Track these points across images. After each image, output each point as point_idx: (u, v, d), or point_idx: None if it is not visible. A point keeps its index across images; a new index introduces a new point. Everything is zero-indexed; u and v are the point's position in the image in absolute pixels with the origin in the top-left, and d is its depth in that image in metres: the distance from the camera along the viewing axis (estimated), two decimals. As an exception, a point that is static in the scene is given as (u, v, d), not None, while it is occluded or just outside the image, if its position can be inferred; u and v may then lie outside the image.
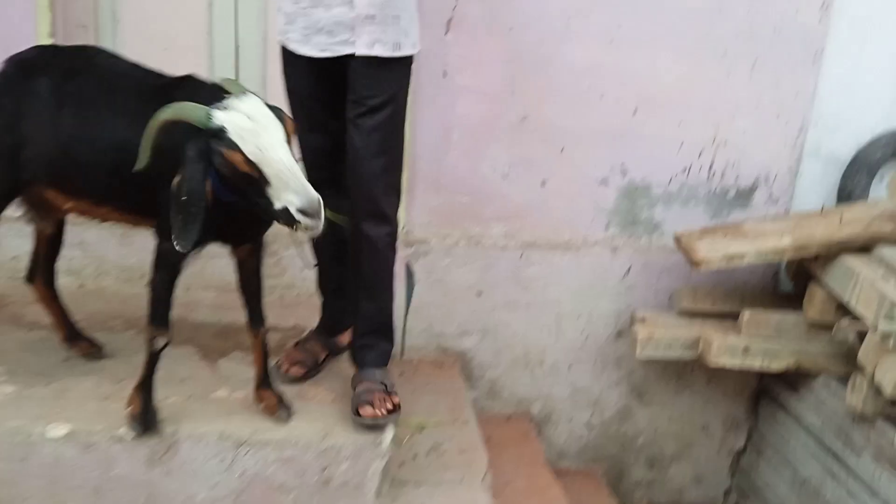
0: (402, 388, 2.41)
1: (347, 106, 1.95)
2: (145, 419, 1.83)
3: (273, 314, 2.55)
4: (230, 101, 1.56)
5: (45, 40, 2.52)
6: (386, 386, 2.05)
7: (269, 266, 2.65)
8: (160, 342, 1.80)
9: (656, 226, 2.91)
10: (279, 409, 1.95)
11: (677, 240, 2.74)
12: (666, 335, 2.72)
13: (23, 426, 1.84)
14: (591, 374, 2.98)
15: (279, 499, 1.93)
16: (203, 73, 2.65)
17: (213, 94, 1.66)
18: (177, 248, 1.55)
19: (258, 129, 1.53)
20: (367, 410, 1.96)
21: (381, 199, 2.01)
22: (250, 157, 1.52)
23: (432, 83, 2.66)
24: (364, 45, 1.91)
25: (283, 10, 1.98)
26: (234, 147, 1.52)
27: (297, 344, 2.27)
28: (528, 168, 2.80)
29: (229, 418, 1.95)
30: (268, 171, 1.53)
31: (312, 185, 2.07)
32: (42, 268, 2.11)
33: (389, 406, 1.99)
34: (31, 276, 2.13)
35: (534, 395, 2.98)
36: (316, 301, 2.34)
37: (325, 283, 2.29)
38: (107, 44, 2.70)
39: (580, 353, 2.95)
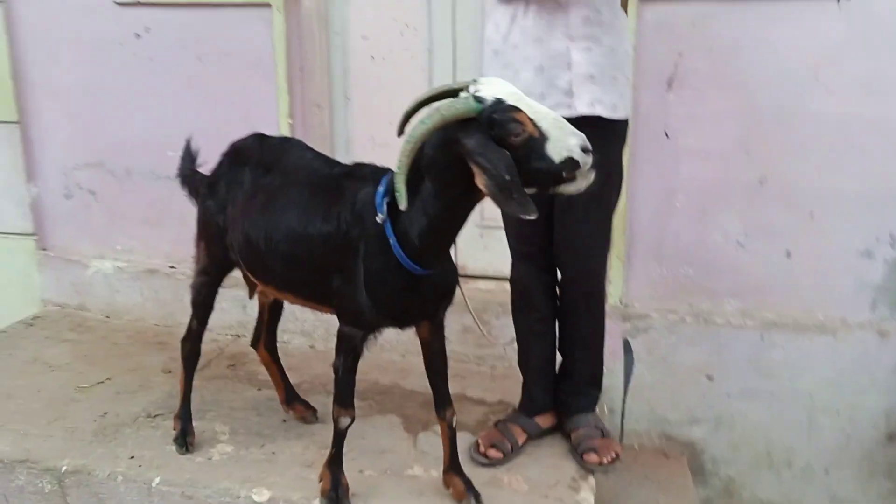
0: (620, 477, 2.23)
1: None
2: (336, 495, 1.83)
3: (481, 387, 2.52)
4: (477, 86, 1.50)
5: (284, 119, 2.78)
6: (603, 431, 2.12)
7: (479, 336, 2.63)
8: (345, 422, 1.81)
9: (940, 307, 2.38)
10: (467, 496, 1.84)
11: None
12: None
13: (231, 488, 1.93)
14: (855, 483, 2.48)
15: None
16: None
17: (381, 174, 1.68)
18: (527, 217, 1.43)
19: (517, 92, 1.49)
20: (592, 457, 2.03)
21: (595, 260, 2.06)
22: (531, 116, 1.46)
23: (652, 144, 2.46)
24: (584, 105, 1.87)
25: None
26: (518, 109, 1.45)
27: (496, 423, 2.17)
28: (769, 237, 2.46)
29: (420, 499, 1.89)
30: (544, 125, 1.46)
31: (523, 256, 2.10)
32: (263, 334, 2.25)
33: (613, 454, 2.04)
34: (254, 342, 2.28)
35: (781, 500, 2.55)
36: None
37: (526, 361, 2.19)
38: (338, 121, 2.95)
39: (840, 456, 2.47)
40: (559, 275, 2.11)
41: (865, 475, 2.46)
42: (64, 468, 2.02)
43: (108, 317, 3.08)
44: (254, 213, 1.85)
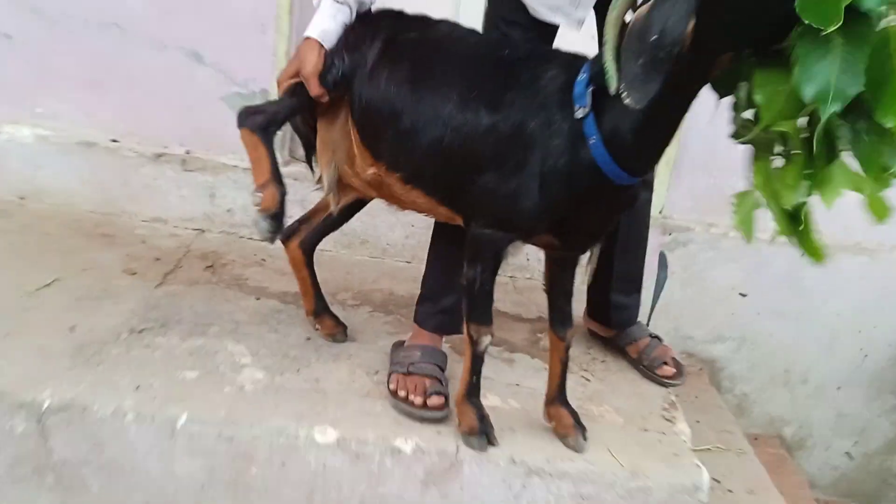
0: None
1: None
2: (484, 433, 1.54)
3: (510, 300, 2.26)
4: None
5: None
6: (660, 339, 2.04)
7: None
8: (485, 341, 1.50)
9: (970, 232, 2.42)
10: (575, 431, 1.61)
11: None
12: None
13: (286, 427, 1.56)
14: (862, 400, 2.55)
15: (573, 540, 1.61)
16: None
17: (580, 62, 1.36)
18: (627, 100, 1.14)
19: None
20: (667, 370, 1.95)
21: None
22: None
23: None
24: None
25: None
26: None
27: None
28: (822, 153, 2.35)
29: (514, 436, 1.63)
30: None
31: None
32: (309, 232, 1.83)
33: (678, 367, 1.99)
34: (289, 235, 1.84)
35: (790, 416, 2.58)
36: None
37: None
38: None
39: (853, 375, 2.53)
40: None
41: (874, 392, 2.53)
42: (46, 403, 1.53)
43: (22, 198, 2.43)
44: (398, 85, 1.48)
